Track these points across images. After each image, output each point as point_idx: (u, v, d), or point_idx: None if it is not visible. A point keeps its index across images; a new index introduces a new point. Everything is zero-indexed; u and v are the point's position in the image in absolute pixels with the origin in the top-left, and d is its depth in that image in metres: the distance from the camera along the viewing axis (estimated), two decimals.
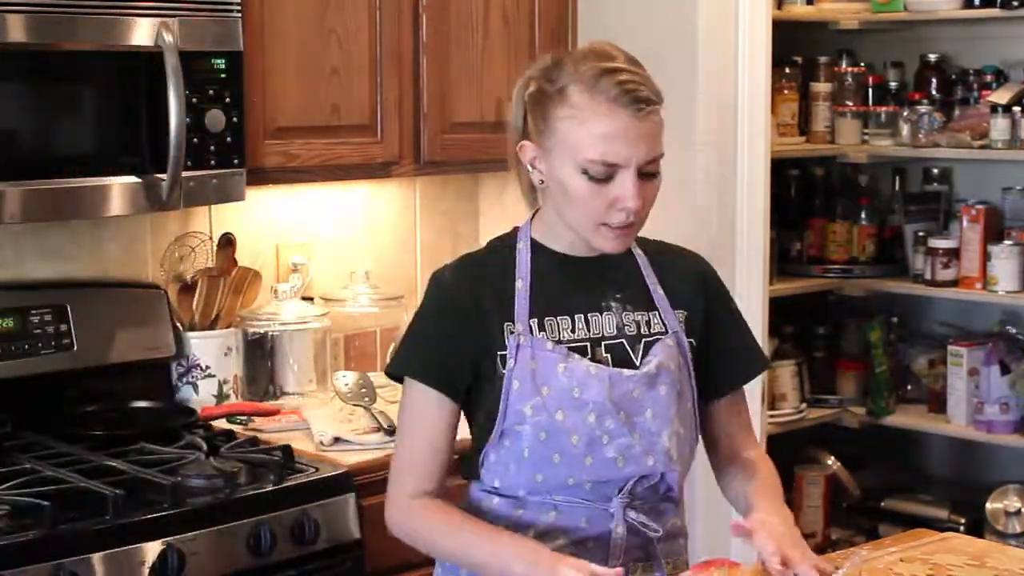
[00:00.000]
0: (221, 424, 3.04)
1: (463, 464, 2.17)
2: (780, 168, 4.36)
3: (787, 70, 4.36)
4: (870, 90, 4.48)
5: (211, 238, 3.27)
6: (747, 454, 2.21)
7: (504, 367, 2.05)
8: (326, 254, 3.51)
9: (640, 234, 2.15)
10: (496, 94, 3.39)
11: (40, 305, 2.96)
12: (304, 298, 3.34)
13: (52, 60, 2.66)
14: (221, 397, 3.18)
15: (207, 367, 3.17)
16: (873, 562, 2.28)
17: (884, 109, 4.37)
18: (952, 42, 4.41)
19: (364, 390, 3.11)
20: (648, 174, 2.03)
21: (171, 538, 2.46)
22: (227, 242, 3.25)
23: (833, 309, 4.56)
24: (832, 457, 4.52)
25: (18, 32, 2.58)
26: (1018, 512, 4.08)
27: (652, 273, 2.16)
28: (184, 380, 3.17)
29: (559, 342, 2.06)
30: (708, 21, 3.31)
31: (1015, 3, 4.01)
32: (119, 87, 2.76)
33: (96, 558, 2.38)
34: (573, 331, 2.08)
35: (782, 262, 4.30)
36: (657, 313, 2.13)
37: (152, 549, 2.44)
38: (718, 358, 2.17)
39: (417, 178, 3.61)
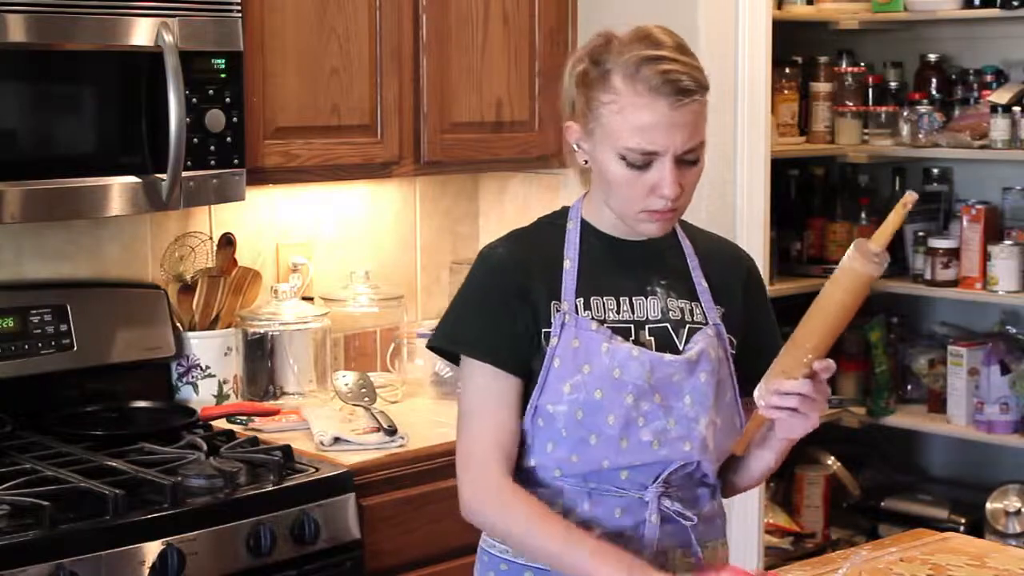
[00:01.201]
0: (221, 424, 3.04)
1: None
2: (780, 168, 4.36)
3: (787, 70, 4.36)
4: (870, 90, 4.48)
5: (211, 238, 3.27)
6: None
7: (547, 344, 2.04)
8: (326, 254, 3.51)
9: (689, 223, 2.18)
10: (496, 94, 3.39)
11: (40, 305, 2.96)
12: (304, 298, 3.34)
13: (52, 60, 2.66)
14: (221, 397, 3.18)
15: (207, 367, 3.17)
16: (873, 562, 2.28)
17: (884, 109, 4.37)
18: (952, 42, 4.41)
19: (364, 390, 3.11)
20: (688, 161, 2.04)
21: (171, 538, 2.46)
22: (227, 242, 3.25)
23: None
24: (832, 457, 4.52)
25: (18, 32, 2.58)
26: (1018, 512, 4.08)
27: (697, 264, 2.16)
28: (184, 380, 3.17)
29: (603, 322, 2.06)
30: (708, 21, 3.31)
31: (1015, 3, 4.01)
32: (119, 87, 2.76)
33: (96, 558, 2.37)
34: (618, 312, 2.08)
35: (782, 262, 4.30)
36: (699, 304, 2.13)
37: (152, 549, 2.44)
38: (751, 358, 2.13)
39: (417, 178, 3.61)
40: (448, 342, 2.12)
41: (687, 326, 2.11)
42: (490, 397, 2.06)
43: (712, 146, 3.34)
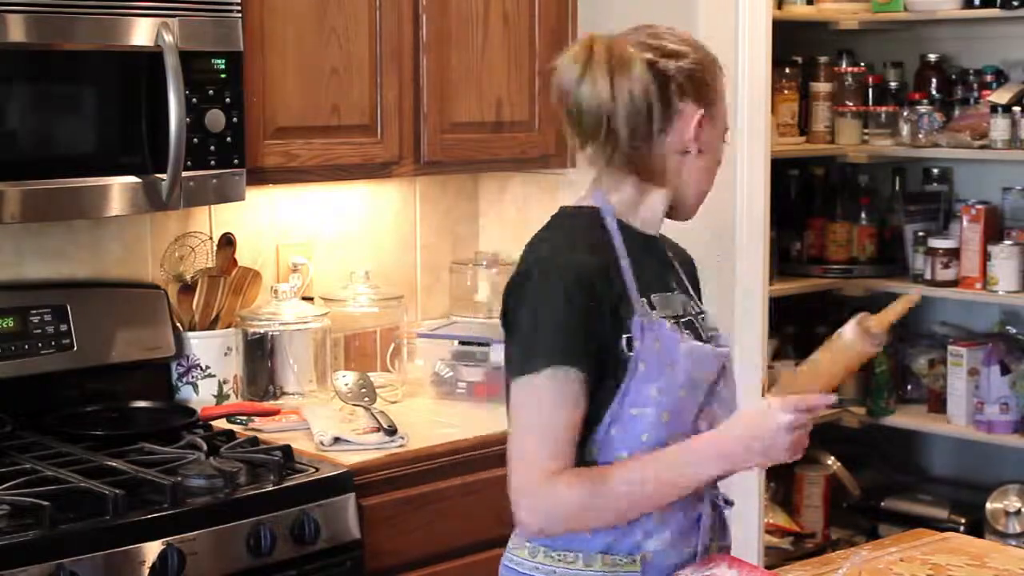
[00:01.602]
0: (221, 424, 3.03)
1: None
2: (780, 168, 4.36)
3: (787, 70, 4.36)
4: (870, 90, 4.48)
5: (211, 238, 3.27)
6: None
7: (629, 348, 2.02)
8: (326, 254, 3.51)
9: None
10: (496, 94, 3.39)
11: (40, 305, 2.96)
12: (304, 298, 3.34)
13: (52, 60, 2.66)
14: (221, 397, 3.18)
15: (207, 367, 3.17)
16: (873, 562, 2.28)
17: (884, 109, 4.37)
18: (952, 42, 4.41)
19: (364, 390, 3.11)
20: None
21: (171, 538, 2.46)
22: (227, 242, 3.25)
23: (833, 309, 4.56)
24: (832, 457, 4.52)
25: (18, 32, 2.58)
26: (1018, 512, 4.08)
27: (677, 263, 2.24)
28: (184, 380, 3.17)
29: (664, 319, 2.08)
30: (708, 21, 3.31)
31: (1015, 3, 4.01)
32: (119, 87, 2.76)
33: (96, 558, 2.37)
34: (665, 308, 2.11)
35: (782, 262, 4.30)
36: (697, 300, 2.23)
37: (152, 549, 2.44)
38: None
39: (417, 178, 3.61)
40: (539, 363, 1.99)
41: (702, 319, 2.19)
42: (566, 402, 1.99)
43: None
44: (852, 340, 2.05)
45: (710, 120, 2.13)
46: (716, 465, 2.01)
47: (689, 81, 2.10)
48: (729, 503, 2.15)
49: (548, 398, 1.98)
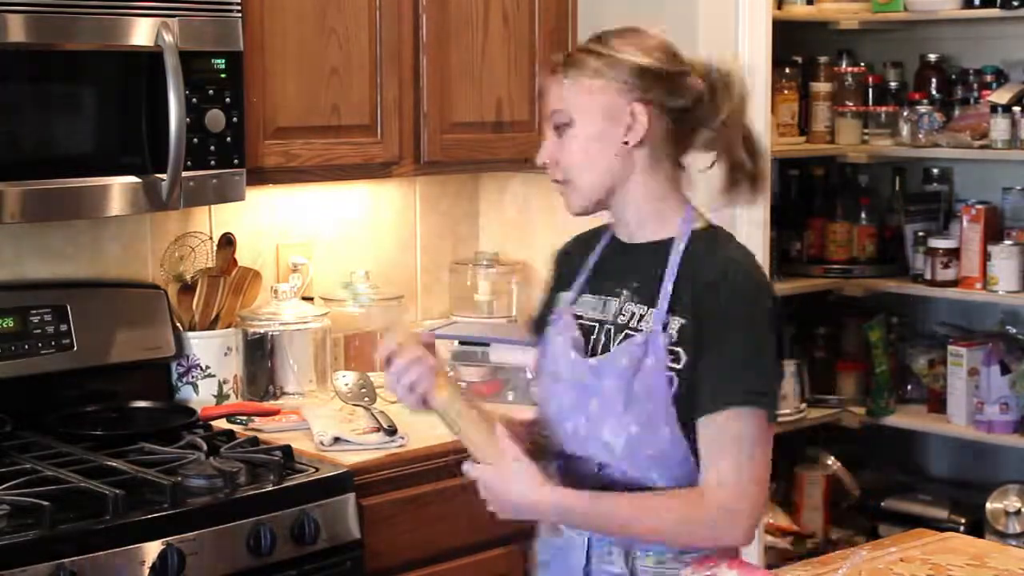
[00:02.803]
0: (221, 424, 3.04)
1: None
2: (780, 168, 4.36)
3: (787, 70, 4.36)
4: (870, 90, 4.48)
5: (211, 238, 3.27)
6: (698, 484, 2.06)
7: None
8: (326, 254, 3.51)
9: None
10: (496, 94, 3.39)
11: (40, 305, 2.96)
12: (304, 298, 3.34)
13: (52, 60, 2.66)
14: (221, 397, 3.18)
15: (207, 367, 3.17)
16: (873, 562, 2.28)
17: (884, 109, 4.37)
18: (952, 42, 4.41)
19: (364, 390, 3.11)
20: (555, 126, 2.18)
21: (171, 538, 2.46)
22: (227, 242, 3.25)
23: (833, 309, 4.56)
24: (832, 457, 4.52)
25: (18, 32, 2.58)
26: (1018, 512, 4.08)
27: (675, 272, 2.10)
28: (184, 380, 3.17)
29: (582, 318, 2.18)
30: (708, 21, 3.31)
31: (1015, 3, 4.01)
32: (119, 87, 2.76)
33: (96, 558, 2.37)
34: (595, 311, 2.17)
35: (782, 262, 4.30)
36: (652, 312, 2.09)
37: (152, 549, 2.44)
38: (696, 379, 2.04)
39: (417, 178, 3.61)
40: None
41: (624, 331, 2.11)
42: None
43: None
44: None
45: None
46: None
47: None
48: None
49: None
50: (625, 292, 2.14)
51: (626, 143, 2.11)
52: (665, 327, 2.06)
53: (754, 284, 2.08)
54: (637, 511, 2.04)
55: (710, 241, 2.13)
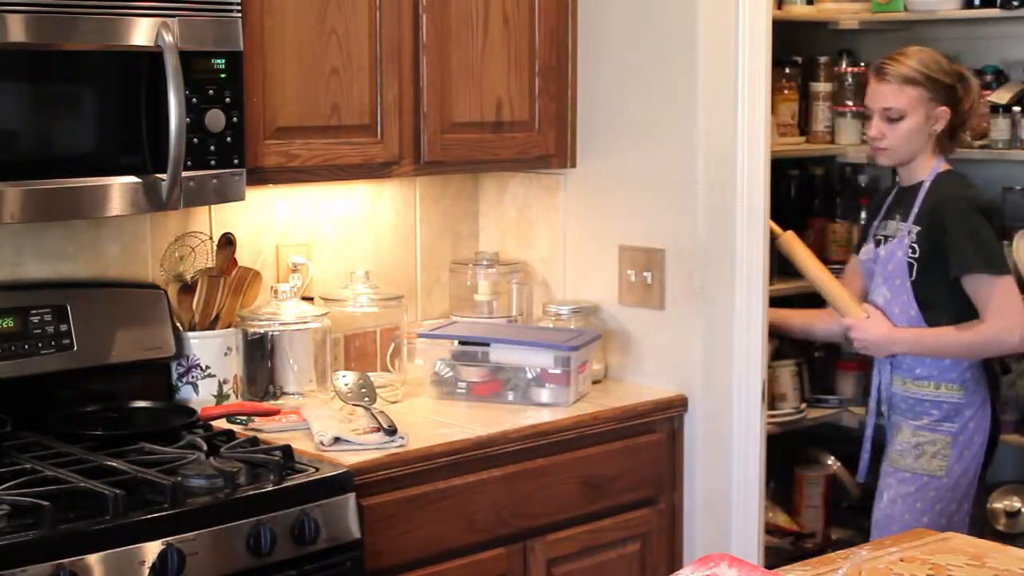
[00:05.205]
0: (221, 424, 3.04)
1: None
2: (780, 168, 4.36)
3: (787, 70, 4.36)
4: None
5: (211, 238, 3.27)
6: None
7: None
8: (326, 254, 3.51)
9: None
10: (496, 94, 3.39)
11: (40, 305, 2.96)
12: (304, 298, 3.34)
13: (52, 60, 2.66)
14: (221, 397, 3.18)
15: (207, 367, 3.17)
16: (873, 562, 2.28)
17: None
18: (952, 42, 4.41)
19: (364, 390, 3.11)
20: (890, 119, 3.45)
21: (171, 538, 2.46)
22: (227, 242, 3.25)
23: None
24: (832, 457, 4.52)
25: (18, 32, 2.58)
26: (1018, 512, 4.08)
27: (923, 196, 3.44)
28: (184, 380, 3.17)
29: (874, 235, 3.59)
30: (708, 21, 3.31)
31: (1015, 3, 4.01)
32: (119, 87, 2.76)
33: (96, 558, 2.37)
34: (884, 230, 3.54)
35: (782, 262, 4.29)
36: (907, 224, 3.44)
37: (152, 549, 2.44)
38: (930, 260, 3.40)
39: (417, 178, 3.61)
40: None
41: (891, 238, 3.49)
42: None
43: (712, 146, 3.36)
44: None
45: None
46: None
47: None
48: None
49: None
50: (897, 215, 3.50)
51: (931, 132, 3.45)
52: (908, 232, 3.43)
53: (965, 198, 3.44)
54: (955, 336, 3.40)
55: (945, 178, 3.47)
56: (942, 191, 3.44)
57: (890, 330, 3.46)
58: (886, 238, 3.51)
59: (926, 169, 3.48)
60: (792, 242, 3.69)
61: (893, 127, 3.43)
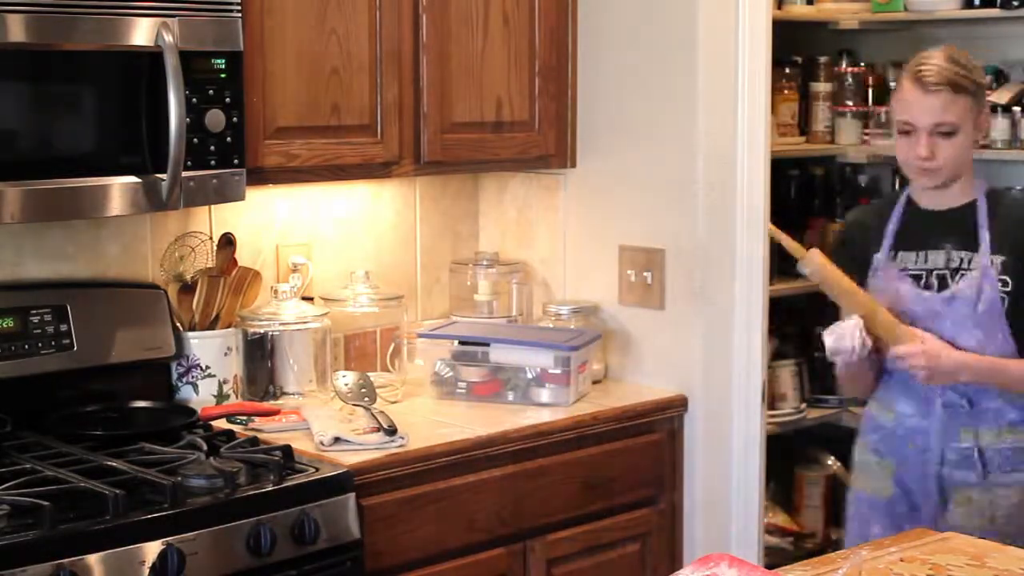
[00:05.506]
0: (221, 424, 3.04)
1: None
2: (780, 168, 4.36)
3: (787, 70, 4.36)
4: (870, 90, 4.48)
5: (211, 238, 3.27)
6: None
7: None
8: (326, 254, 3.51)
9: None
10: (496, 94, 3.39)
11: (40, 305, 2.96)
12: (304, 298, 3.33)
13: (52, 60, 2.66)
14: (221, 397, 3.18)
15: (207, 367, 3.17)
16: (873, 562, 2.28)
17: (884, 109, 4.37)
18: (952, 42, 4.37)
19: (364, 390, 3.11)
20: (942, 132, 2.93)
21: (171, 538, 2.46)
22: (227, 242, 3.25)
23: (833, 309, 4.55)
24: (832, 457, 4.52)
25: (18, 32, 2.58)
26: None
27: (987, 221, 2.97)
28: (184, 380, 3.17)
29: (904, 270, 3.01)
30: (708, 21, 3.31)
31: (1015, 3, 4.01)
32: (119, 87, 2.76)
33: (96, 558, 2.37)
34: (915, 263, 3.02)
35: (782, 262, 4.28)
36: (978, 254, 2.95)
37: (152, 549, 2.44)
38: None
39: (417, 178, 3.61)
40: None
41: (959, 272, 2.96)
42: None
43: (712, 146, 3.36)
44: None
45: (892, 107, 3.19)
46: None
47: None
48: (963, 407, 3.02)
49: None
50: (948, 245, 2.99)
51: (976, 141, 3.04)
52: (990, 264, 2.94)
53: None
54: (1020, 368, 2.94)
55: (1004, 196, 3.10)
56: (1014, 212, 3.02)
57: (961, 354, 2.93)
58: (953, 272, 2.98)
59: (969, 188, 3.02)
60: (819, 262, 3.05)
61: (946, 143, 2.93)
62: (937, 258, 3.00)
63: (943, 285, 2.97)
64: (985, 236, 2.96)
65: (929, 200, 3.04)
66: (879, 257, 3.05)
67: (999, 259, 2.94)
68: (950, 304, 2.95)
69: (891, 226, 3.06)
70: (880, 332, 2.98)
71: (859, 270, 3.05)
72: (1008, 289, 2.93)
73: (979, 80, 2.99)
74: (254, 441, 2.87)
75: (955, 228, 2.99)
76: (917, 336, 2.94)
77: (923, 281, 2.99)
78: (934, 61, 2.96)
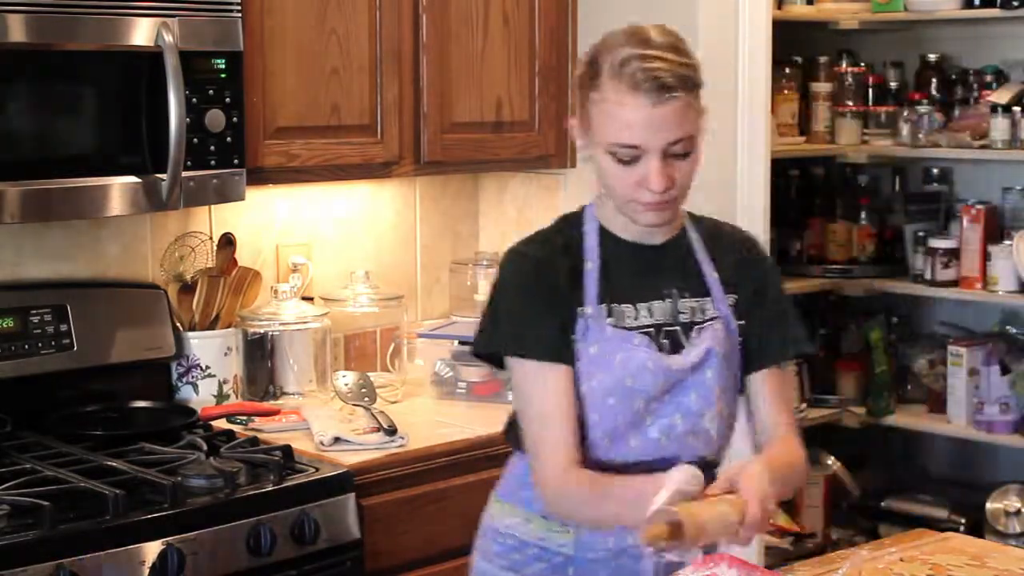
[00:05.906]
0: (221, 424, 3.04)
1: (509, 432, 2.26)
2: (780, 168, 4.36)
3: (787, 70, 4.35)
4: (870, 90, 4.48)
5: (211, 238, 3.27)
6: (778, 432, 2.21)
7: (575, 345, 2.12)
8: (326, 254, 3.51)
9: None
10: (496, 94, 3.39)
11: (40, 305, 2.96)
12: (304, 298, 3.34)
13: (52, 60, 2.66)
14: (221, 397, 3.18)
15: (207, 367, 3.17)
16: (873, 562, 2.28)
17: (884, 109, 4.37)
18: (952, 42, 4.41)
19: (364, 390, 3.11)
20: (676, 154, 2.07)
21: (171, 538, 2.46)
22: (227, 242, 3.25)
23: (833, 309, 4.56)
24: (832, 457, 4.52)
25: (18, 32, 2.58)
26: (1018, 512, 4.08)
27: (707, 257, 2.22)
28: (184, 380, 3.17)
29: (627, 328, 2.13)
30: (708, 21, 3.31)
31: (1015, 3, 4.01)
32: (119, 87, 2.76)
33: (96, 558, 2.37)
34: (636, 318, 2.15)
35: (782, 262, 4.29)
36: (710, 299, 2.19)
37: (152, 549, 2.44)
38: (759, 336, 2.21)
39: (417, 178, 3.61)
40: (489, 345, 2.18)
41: (695, 326, 2.17)
42: (551, 392, 2.11)
43: (712, 146, 3.35)
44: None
45: (583, 133, 2.11)
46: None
47: (577, 89, 2.15)
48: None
49: (531, 387, 2.18)
50: (673, 291, 2.17)
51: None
52: (729, 309, 2.19)
53: (764, 248, 2.34)
54: (792, 468, 2.15)
55: (709, 225, 2.28)
56: (734, 238, 2.31)
57: (763, 464, 2.06)
58: (686, 328, 2.17)
59: (678, 214, 2.24)
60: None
61: (683, 164, 2.12)
62: (663, 310, 2.16)
63: (676, 345, 2.15)
64: (712, 275, 2.20)
65: (634, 231, 2.17)
66: (588, 313, 2.12)
67: (731, 298, 2.21)
68: (697, 369, 2.15)
69: (590, 269, 2.15)
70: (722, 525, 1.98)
71: (562, 328, 2.13)
72: (742, 336, 2.22)
73: (698, 63, 2.13)
74: (254, 441, 2.87)
75: (674, 268, 2.19)
76: (738, 502, 1.98)
77: (654, 342, 2.14)
78: (657, 53, 2.05)
